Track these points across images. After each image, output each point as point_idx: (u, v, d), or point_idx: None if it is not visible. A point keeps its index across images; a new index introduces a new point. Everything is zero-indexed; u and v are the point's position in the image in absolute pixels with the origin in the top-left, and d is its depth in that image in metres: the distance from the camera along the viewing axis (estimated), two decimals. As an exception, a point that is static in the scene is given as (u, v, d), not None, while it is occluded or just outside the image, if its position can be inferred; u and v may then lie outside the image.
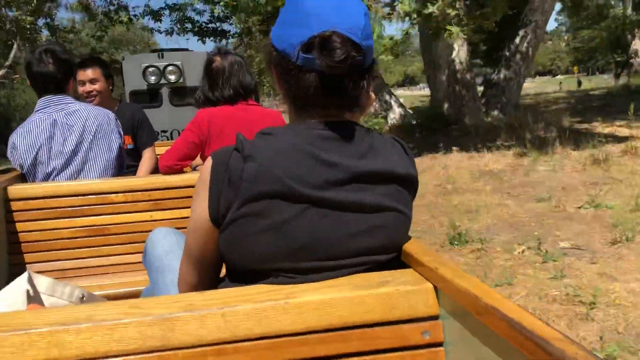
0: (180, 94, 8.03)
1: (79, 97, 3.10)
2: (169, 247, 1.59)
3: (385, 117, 9.39)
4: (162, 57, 8.08)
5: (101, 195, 2.34)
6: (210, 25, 15.90)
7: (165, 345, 0.93)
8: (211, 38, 15.81)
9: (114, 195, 2.35)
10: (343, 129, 1.10)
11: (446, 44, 11.14)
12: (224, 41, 15.99)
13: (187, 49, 8.91)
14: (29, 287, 1.48)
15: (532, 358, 0.75)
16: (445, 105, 11.85)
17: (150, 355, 0.93)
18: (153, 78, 8.01)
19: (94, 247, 2.35)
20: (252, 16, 15.28)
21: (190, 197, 2.31)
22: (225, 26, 16.63)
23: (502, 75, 12.40)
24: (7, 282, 2.19)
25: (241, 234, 1.06)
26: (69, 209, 2.33)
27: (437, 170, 7.97)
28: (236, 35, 16.96)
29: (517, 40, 12.40)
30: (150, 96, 8.13)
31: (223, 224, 1.08)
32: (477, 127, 10.44)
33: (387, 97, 12.49)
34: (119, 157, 2.63)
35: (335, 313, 0.99)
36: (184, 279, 1.24)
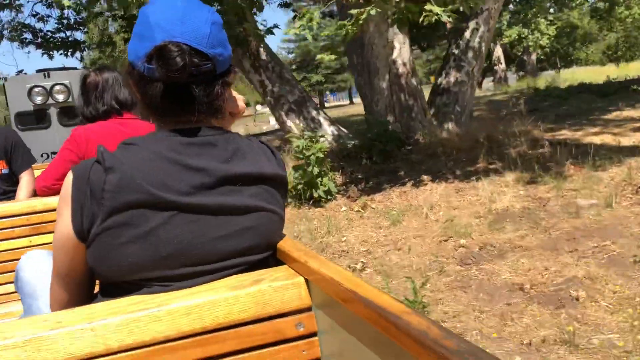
0: (70, 113, 7.72)
1: None
2: (41, 270, 1.54)
3: (313, 139, 6.44)
4: (49, 76, 7.76)
5: None
6: (58, 35, 12.42)
7: None
8: (60, 51, 12.15)
9: None
10: (205, 134, 1.12)
11: (384, 42, 8.63)
12: (78, 54, 12.68)
13: (75, 68, 8.60)
14: None
15: (386, 333, 0.80)
16: (389, 119, 8.81)
17: None
18: (40, 98, 7.69)
19: None
20: (114, 22, 13.36)
21: None
22: (78, 35, 13.50)
23: (451, 79, 9.50)
24: None
25: (108, 247, 1.05)
26: None
27: (421, 212, 5.52)
28: (92, 46, 14.47)
29: (467, 34, 9.49)
30: (38, 117, 7.77)
31: (89, 238, 1.06)
32: (438, 146, 7.92)
33: (314, 113, 9.25)
34: None
35: (208, 316, 1.01)
36: (55, 299, 1.20)
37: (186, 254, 1.07)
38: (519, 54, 33.19)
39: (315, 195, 6.41)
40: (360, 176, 7.47)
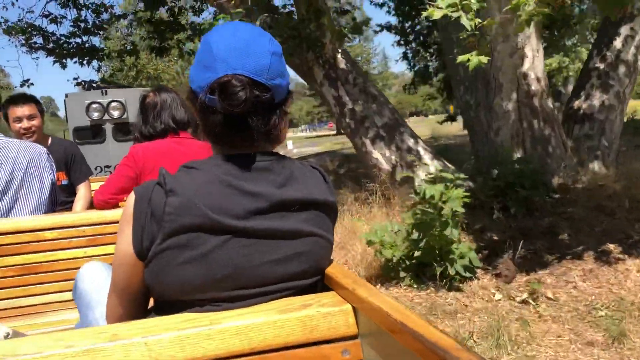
0: (124, 129, 8.02)
1: (7, 134, 3.06)
2: (99, 282, 1.60)
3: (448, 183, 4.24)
4: (106, 93, 8.08)
5: (33, 233, 2.30)
6: (73, 40, 10.69)
7: None
8: (75, 59, 10.48)
9: (47, 232, 2.32)
10: (261, 159, 1.15)
11: (510, 49, 6.07)
12: (95, 63, 11.03)
13: (130, 86, 8.95)
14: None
15: None
16: (515, 155, 6.09)
17: None
18: (96, 114, 8.02)
19: (24, 286, 2.29)
20: (138, 27, 11.80)
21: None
22: (96, 40, 11.83)
23: (595, 102, 6.97)
24: None
25: (166, 267, 1.09)
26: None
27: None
28: (113, 54, 11.98)
29: (618, 42, 6.90)
30: (94, 132, 8.10)
31: (147, 257, 1.11)
32: (600, 195, 5.56)
33: (411, 142, 6.74)
34: (52, 193, 2.58)
35: (257, 337, 1.03)
36: (111, 311, 1.25)
37: (239, 277, 1.10)
38: (558, 84, 31.79)
39: (451, 272, 4.06)
40: (495, 237, 4.98)
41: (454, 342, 0.81)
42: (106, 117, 8.04)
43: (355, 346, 1.08)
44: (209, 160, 1.16)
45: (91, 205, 3.00)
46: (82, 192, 3.19)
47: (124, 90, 8.39)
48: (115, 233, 2.35)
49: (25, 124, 3.15)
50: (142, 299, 1.24)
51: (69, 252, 2.33)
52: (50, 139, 3.37)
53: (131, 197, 1.14)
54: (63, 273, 2.32)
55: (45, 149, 2.64)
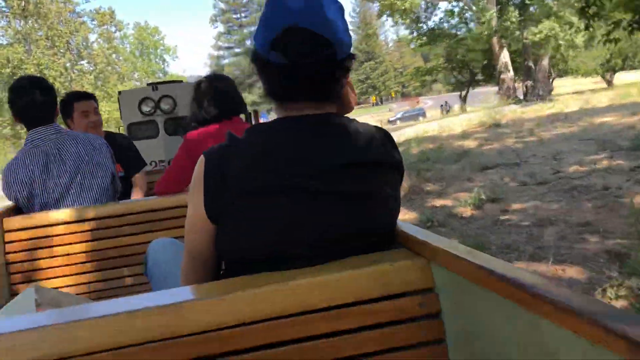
0: (175, 123, 8.16)
1: (69, 127, 3.15)
2: (169, 255, 1.63)
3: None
4: (157, 89, 8.25)
5: (99, 220, 2.37)
6: None
7: (173, 333, 0.97)
8: None
9: (111, 219, 2.39)
10: (326, 120, 1.15)
11: None
12: None
13: (180, 81, 9.10)
14: (37, 297, 1.51)
15: (522, 305, 0.79)
16: None
17: (157, 344, 0.96)
18: (148, 109, 8.18)
19: (92, 272, 2.37)
20: None
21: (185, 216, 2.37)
22: None
23: None
24: None
25: (237, 227, 1.10)
26: (66, 235, 2.35)
27: None
28: None
29: None
30: (147, 127, 8.28)
31: (219, 219, 1.13)
32: None
33: None
34: (113, 183, 2.65)
35: (333, 292, 1.03)
36: (186, 277, 1.27)
37: (311, 234, 1.10)
38: (525, 60, 27.40)
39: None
40: None
41: (539, 276, 0.80)
42: (158, 112, 8.21)
43: (431, 299, 1.07)
44: (274, 122, 1.17)
45: (148, 195, 3.08)
46: (139, 182, 3.27)
47: (174, 85, 8.54)
48: (175, 218, 2.42)
49: (92, 117, 3.25)
50: (214, 264, 1.26)
51: (132, 238, 2.39)
52: (104, 133, 3.47)
53: (201, 161, 1.16)
54: (126, 258, 2.39)
55: (105, 141, 2.71)
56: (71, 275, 2.35)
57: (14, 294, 2.26)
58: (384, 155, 1.19)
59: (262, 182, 1.08)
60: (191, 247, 1.23)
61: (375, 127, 1.26)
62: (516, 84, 29.00)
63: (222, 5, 72.43)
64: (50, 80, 33.04)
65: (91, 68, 39.42)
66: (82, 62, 39.78)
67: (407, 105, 60.77)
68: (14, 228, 2.32)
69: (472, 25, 29.56)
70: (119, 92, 8.56)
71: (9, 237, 2.31)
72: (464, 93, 34.25)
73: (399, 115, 44.20)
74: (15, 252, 2.31)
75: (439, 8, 31.72)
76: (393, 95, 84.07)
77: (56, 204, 2.45)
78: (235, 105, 2.70)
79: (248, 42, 71.37)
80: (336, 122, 1.17)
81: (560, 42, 24.20)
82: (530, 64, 27.77)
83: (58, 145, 2.48)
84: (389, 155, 1.20)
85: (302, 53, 1.06)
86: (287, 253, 1.11)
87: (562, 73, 35.48)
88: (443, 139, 13.30)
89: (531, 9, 25.51)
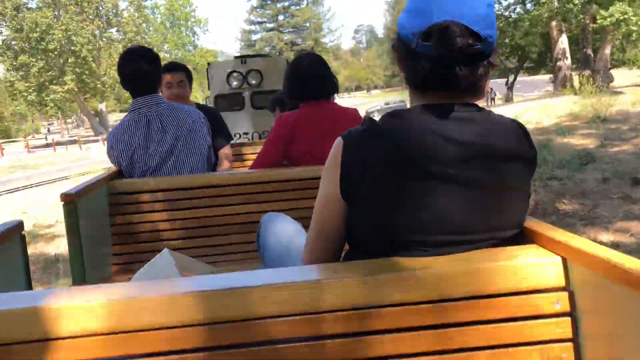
0: (261, 97, 8.31)
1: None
2: (281, 230, 1.72)
3: None
4: (245, 62, 8.40)
5: (201, 189, 2.46)
6: None
7: (315, 308, 1.03)
8: None
9: (214, 189, 2.47)
10: (464, 110, 1.17)
11: None
12: None
13: (267, 55, 9.23)
14: (174, 261, 1.62)
15: None
16: None
17: (300, 317, 1.03)
18: (236, 83, 8.37)
19: (197, 237, 2.46)
20: None
21: (287, 190, 2.43)
22: None
23: None
24: (111, 271, 2.36)
25: (372, 210, 1.15)
26: (170, 202, 2.46)
27: None
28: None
29: None
30: (233, 100, 8.47)
31: (355, 201, 1.17)
32: None
33: None
34: (209, 155, 2.75)
35: (469, 283, 1.06)
36: (312, 252, 1.31)
37: (444, 223, 1.13)
38: (583, 48, 24.25)
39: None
40: None
41: None
42: (245, 85, 8.38)
43: (565, 297, 1.08)
44: (413, 109, 1.19)
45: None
46: (225, 155, 3.33)
47: (262, 59, 8.69)
48: (278, 191, 2.48)
49: (175, 90, 3.36)
50: (339, 243, 1.30)
51: (236, 208, 2.47)
52: (193, 104, 3.57)
53: (339, 143, 1.20)
54: (233, 227, 2.48)
55: (202, 114, 2.79)
56: (175, 240, 2.44)
57: (115, 254, 2.41)
58: (521, 148, 1.19)
59: (400, 168, 1.12)
60: (322, 225, 1.28)
61: (512, 119, 1.26)
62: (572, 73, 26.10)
63: (257, -22, 71.08)
64: (78, 47, 33.29)
65: (120, 37, 38.76)
66: (111, 29, 39.25)
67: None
68: (120, 191, 2.44)
69: (529, 6, 26.97)
70: (208, 64, 8.79)
71: (116, 199, 2.44)
72: (510, 80, 31.98)
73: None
74: (121, 213, 2.43)
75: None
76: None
77: (155, 172, 2.57)
78: (334, 85, 2.75)
79: (280, 17, 70.77)
80: (476, 113, 1.18)
81: (633, 28, 21.03)
82: (589, 52, 25.17)
83: (160, 114, 2.58)
84: (525, 149, 1.20)
85: (456, 48, 1.08)
86: (423, 240, 1.14)
87: (619, 64, 32.39)
88: (536, 132, 10.75)
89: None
